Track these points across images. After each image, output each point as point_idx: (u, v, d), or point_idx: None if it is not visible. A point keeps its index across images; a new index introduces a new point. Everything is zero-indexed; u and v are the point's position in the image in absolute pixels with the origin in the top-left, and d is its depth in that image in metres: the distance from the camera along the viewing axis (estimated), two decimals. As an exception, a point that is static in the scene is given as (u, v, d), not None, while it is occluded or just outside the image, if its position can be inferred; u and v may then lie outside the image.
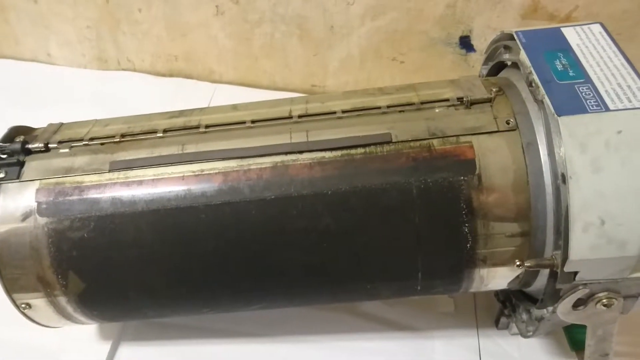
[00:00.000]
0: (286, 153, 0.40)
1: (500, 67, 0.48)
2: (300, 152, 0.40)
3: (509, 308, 0.50)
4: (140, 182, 0.40)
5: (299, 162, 0.40)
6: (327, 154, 0.40)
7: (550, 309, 0.40)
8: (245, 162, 0.40)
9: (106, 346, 0.51)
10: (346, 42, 0.72)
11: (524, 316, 0.47)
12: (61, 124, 0.46)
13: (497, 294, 0.52)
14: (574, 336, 0.51)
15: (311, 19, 0.70)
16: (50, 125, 0.46)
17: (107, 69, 0.80)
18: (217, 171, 0.40)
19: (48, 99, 0.76)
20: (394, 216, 0.39)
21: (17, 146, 0.42)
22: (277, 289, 0.43)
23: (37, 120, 0.69)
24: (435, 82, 0.44)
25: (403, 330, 0.54)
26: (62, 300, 0.42)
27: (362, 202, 0.39)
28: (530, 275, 0.42)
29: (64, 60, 0.80)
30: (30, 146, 0.43)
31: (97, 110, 0.62)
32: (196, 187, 0.40)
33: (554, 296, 0.39)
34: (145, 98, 0.76)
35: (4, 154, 0.42)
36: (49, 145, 0.43)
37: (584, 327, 0.49)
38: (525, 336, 0.46)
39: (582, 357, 0.50)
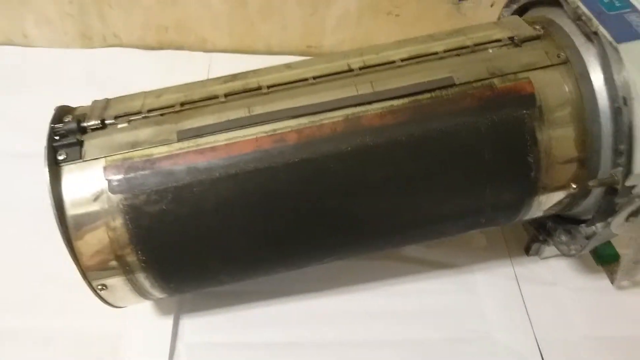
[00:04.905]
0: (356, 105, 0.41)
1: (520, 10, 0.50)
2: (370, 102, 0.41)
3: (543, 234, 0.54)
4: (213, 148, 0.40)
5: (370, 112, 0.40)
6: (396, 102, 0.41)
7: (600, 224, 0.45)
8: (316, 117, 0.40)
9: (168, 321, 0.51)
10: (343, -2, 0.72)
11: (564, 237, 0.51)
12: (108, 100, 0.44)
13: (529, 223, 0.55)
14: (599, 252, 0.56)
15: (309, -24, 0.69)
16: (96, 101, 0.44)
17: (92, 46, 0.76)
18: (290, 129, 0.40)
19: (31, 84, 0.71)
20: (466, 155, 0.41)
21: (72, 125, 0.40)
22: (357, 239, 0.44)
23: (25, 106, 0.66)
24: (481, 25, 0.46)
25: (444, 269, 0.57)
26: (141, 276, 0.41)
27: (436, 145, 0.40)
28: (579, 197, 0.45)
29: (44, 40, 0.74)
30: (85, 124, 0.41)
31: (90, 90, 0.58)
32: (272, 147, 0.40)
33: (606, 212, 0.43)
34: (138, 73, 0.72)
35: (58, 135, 0.40)
36: (105, 121, 0.41)
37: (608, 242, 0.55)
38: (569, 255, 0.50)
39: (608, 269, 0.56)
